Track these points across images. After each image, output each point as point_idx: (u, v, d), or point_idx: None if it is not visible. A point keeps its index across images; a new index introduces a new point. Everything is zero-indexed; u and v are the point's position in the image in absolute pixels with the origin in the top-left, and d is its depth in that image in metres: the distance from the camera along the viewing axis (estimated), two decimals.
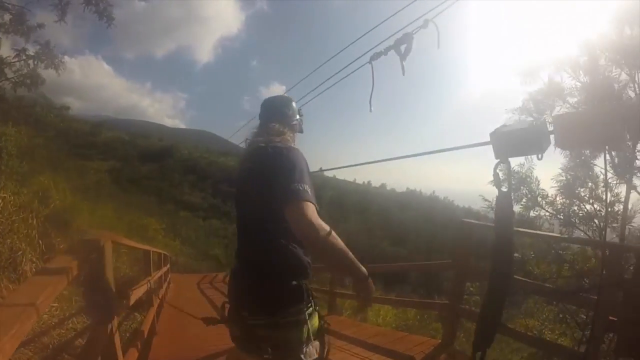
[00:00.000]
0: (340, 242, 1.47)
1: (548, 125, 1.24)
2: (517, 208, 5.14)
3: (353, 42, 2.82)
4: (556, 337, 4.63)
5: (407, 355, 3.73)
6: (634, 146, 4.56)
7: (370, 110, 2.12)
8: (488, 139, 1.34)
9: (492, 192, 5.54)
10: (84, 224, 7.61)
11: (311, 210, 1.46)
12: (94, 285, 2.26)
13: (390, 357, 3.77)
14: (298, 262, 1.62)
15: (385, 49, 2.07)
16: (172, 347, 4.26)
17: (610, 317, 3.16)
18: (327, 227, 1.45)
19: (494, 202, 4.15)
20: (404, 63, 1.98)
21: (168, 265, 9.32)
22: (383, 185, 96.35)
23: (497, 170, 1.29)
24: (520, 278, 4.36)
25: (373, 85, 2.10)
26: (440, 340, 4.13)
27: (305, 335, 1.57)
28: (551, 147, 1.34)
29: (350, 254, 1.50)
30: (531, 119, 5.05)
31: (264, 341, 1.59)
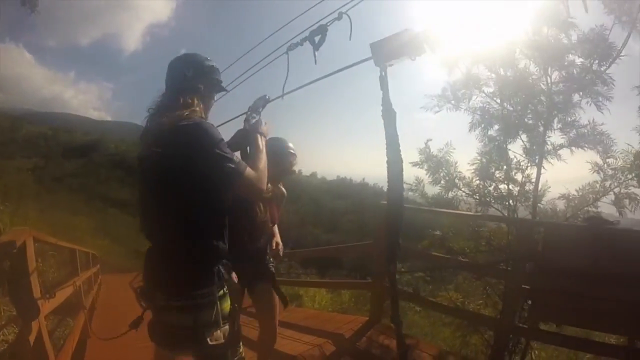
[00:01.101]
0: (263, 164, 1.78)
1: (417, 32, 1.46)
2: (437, 189, 5.49)
3: (272, 34, 2.89)
4: (479, 307, 5.00)
5: (336, 333, 3.91)
6: (544, 132, 5.01)
7: (282, 98, 2.18)
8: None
9: (410, 174, 5.88)
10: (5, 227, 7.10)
11: (251, 177, 1.63)
12: (17, 284, 2.18)
13: (320, 336, 3.93)
14: (209, 246, 1.66)
15: (301, 40, 2.11)
16: (107, 348, 4.14)
17: (524, 286, 3.52)
18: (262, 175, 1.72)
19: (413, 185, 4.44)
20: (316, 53, 2.05)
21: (98, 266, 8.93)
22: (314, 174, 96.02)
23: (382, 73, 1.52)
24: (441, 255, 4.74)
25: (287, 74, 2.17)
26: (367, 318, 4.34)
27: (213, 318, 1.61)
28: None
29: (262, 153, 1.82)
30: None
31: (174, 328, 1.65)
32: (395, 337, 3.96)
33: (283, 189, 2.93)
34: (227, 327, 1.67)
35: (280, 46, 2.37)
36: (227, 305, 1.69)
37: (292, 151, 2.82)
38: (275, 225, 2.87)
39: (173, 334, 1.67)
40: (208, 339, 1.59)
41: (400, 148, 1.56)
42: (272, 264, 2.89)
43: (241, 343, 1.82)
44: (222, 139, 1.64)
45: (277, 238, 2.86)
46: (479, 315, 4.50)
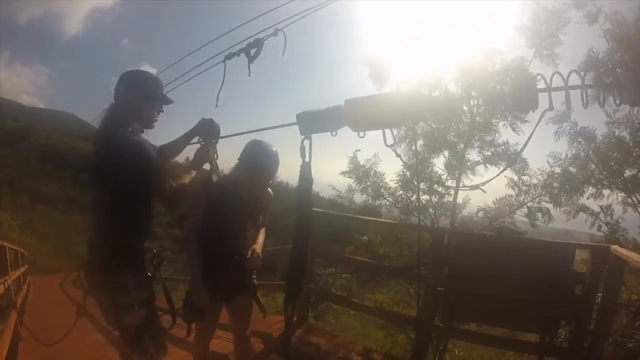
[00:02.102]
0: (172, 154, 2.22)
1: (341, 109, 1.58)
2: (364, 197, 5.86)
3: (211, 41, 2.99)
4: (401, 308, 5.37)
5: (265, 332, 4.07)
6: (464, 149, 5.51)
7: (217, 106, 2.35)
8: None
9: (343, 183, 6.21)
10: None
11: (169, 190, 1.92)
12: None
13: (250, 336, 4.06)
14: (125, 240, 1.96)
15: (238, 51, 2.26)
16: (40, 350, 4.06)
17: (439, 288, 3.86)
18: (183, 188, 2.01)
19: (343, 191, 4.71)
20: (250, 65, 2.22)
21: (26, 266, 8.50)
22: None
23: (303, 144, 1.61)
24: (365, 259, 5.06)
25: (223, 83, 2.34)
26: (295, 318, 4.54)
27: (127, 301, 1.92)
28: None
29: (179, 144, 2.23)
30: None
31: (102, 306, 2.02)
32: (319, 337, 4.26)
33: (270, 191, 2.74)
34: (143, 311, 1.95)
35: (219, 53, 2.50)
36: (143, 293, 1.97)
37: (258, 166, 2.50)
38: (262, 231, 2.76)
39: (104, 311, 2.04)
40: (124, 319, 1.92)
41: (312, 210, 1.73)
42: (254, 277, 2.77)
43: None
44: (150, 153, 1.97)
45: (257, 245, 2.64)
46: (400, 315, 4.86)
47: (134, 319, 1.92)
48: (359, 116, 1.52)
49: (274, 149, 2.62)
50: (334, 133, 1.62)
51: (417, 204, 5.52)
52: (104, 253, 1.95)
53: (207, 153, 2.19)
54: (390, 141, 1.56)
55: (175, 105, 2.25)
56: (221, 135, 2.24)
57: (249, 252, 2.57)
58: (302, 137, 1.62)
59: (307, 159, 1.62)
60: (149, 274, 2.07)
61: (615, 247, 3.04)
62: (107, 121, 1.99)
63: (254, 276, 2.81)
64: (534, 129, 1.67)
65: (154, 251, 2.13)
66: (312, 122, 1.63)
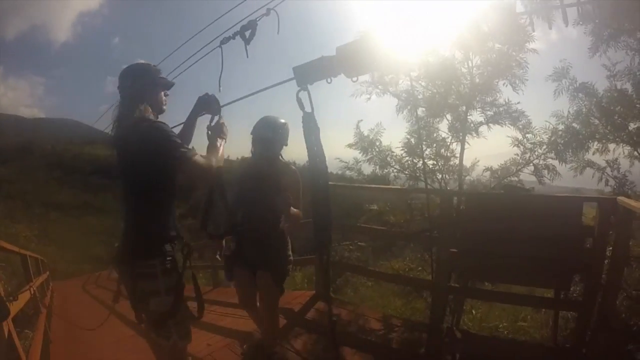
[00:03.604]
0: (218, 158, 2.07)
1: (334, 57, 1.58)
2: (371, 167, 5.90)
3: (206, 27, 2.99)
4: (418, 274, 5.45)
5: (287, 308, 4.16)
6: (466, 111, 5.51)
7: (219, 91, 2.38)
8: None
9: (349, 155, 6.24)
10: None
11: (199, 163, 1.93)
12: None
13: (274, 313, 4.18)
14: (157, 227, 2.04)
15: (233, 34, 2.29)
16: (70, 352, 4.20)
17: (452, 250, 3.92)
18: (211, 162, 2.01)
19: (350, 163, 4.78)
20: (247, 47, 2.25)
21: (48, 273, 8.71)
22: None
23: (299, 96, 1.62)
24: (378, 227, 5.12)
25: (222, 67, 2.35)
26: (314, 292, 4.64)
27: (154, 287, 1.97)
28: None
29: (218, 149, 2.14)
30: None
31: (131, 291, 2.04)
32: (340, 307, 4.35)
33: (294, 169, 2.89)
34: (170, 298, 2.00)
35: (214, 39, 2.53)
36: (172, 280, 2.02)
37: (257, 139, 2.79)
38: (298, 211, 2.77)
39: (132, 296, 2.05)
40: (150, 304, 1.98)
41: (326, 159, 1.68)
42: (289, 254, 2.95)
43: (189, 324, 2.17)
44: (172, 132, 1.98)
45: (294, 210, 2.71)
46: (417, 280, 4.94)
47: (160, 305, 1.99)
48: (351, 61, 1.55)
49: (282, 121, 2.81)
50: (329, 80, 1.64)
51: (423, 169, 5.57)
52: (134, 240, 2.04)
53: (218, 124, 2.26)
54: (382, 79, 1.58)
55: (179, 94, 2.31)
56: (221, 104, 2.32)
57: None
58: (298, 89, 1.63)
59: (307, 110, 1.63)
60: (177, 262, 2.11)
61: (622, 199, 3.02)
62: (122, 115, 2.06)
63: (289, 253, 2.97)
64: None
65: (184, 240, 2.17)
66: (308, 72, 1.65)
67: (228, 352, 3.62)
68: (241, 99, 2.40)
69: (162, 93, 2.21)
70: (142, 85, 2.10)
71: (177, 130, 2.25)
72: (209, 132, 2.25)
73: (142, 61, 2.27)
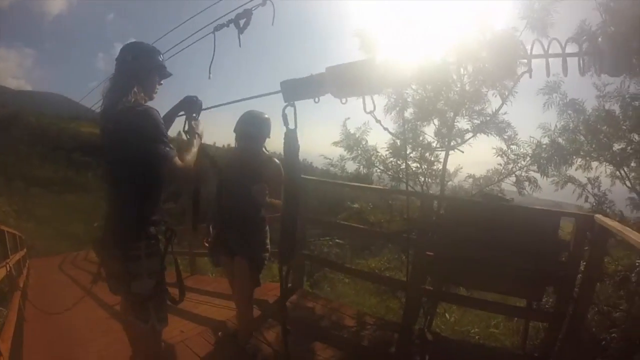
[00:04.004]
0: (192, 159, 2.06)
1: (323, 76, 1.61)
2: (355, 165, 5.96)
3: (201, 12, 2.97)
4: (394, 274, 5.54)
5: (262, 299, 4.19)
6: (454, 118, 5.58)
7: (209, 78, 2.39)
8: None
9: (335, 152, 6.29)
10: None
11: (176, 165, 1.94)
12: None
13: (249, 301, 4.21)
14: (142, 210, 2.05)
15: (227, 22, 2.30)
16: (44, 331, 4.18)
17: (428, 253, 3.98)
18: (189, 164, 2.02)
19: (334, 160, 4.83)
20: (240, 36, 2.26)
21: (25, 250, 8.61)
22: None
23: (285, 112, 1.63)
24: (357, 225, 5.18)
25: (214, 54, 2.37)
26: (290, 284, 4.68)
27: (137, 270, 2.01)
28: None
29: (193, 149, 2.10)
30: None
31: (113, 273, 2.11)
32: (314, 302, 4.40)
33: (276, 161, 2.97)
34: (152, 281, 2.05)
35: (208, 25, 2.52)
36: (154, 263, 2.06)
37: (240, 133, 2.91)
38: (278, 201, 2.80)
39: (112, 278, 2.12)
40: (131, 287, 2.01)
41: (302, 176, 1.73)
42: (267, 243, 3.05)
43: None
44: (162, 126, 1.98)
45: (272, 200, 2.83)
46: (391, 279, 5.01)
47: (142, 288, 2.02)
48: (340, 83, 1.56)
49: (265, 116, 2.90)
50: (316, 100, 1.67)
51: (405, 171, 5.65)
52: (119, 224, 2.06)
53: (191, 126, 2.27)
54: (370, 108, 1.60)
55: (170, 78, 2.29)
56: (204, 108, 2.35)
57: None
58: (285, 104, 1.65)
59: (290, 126, 1.65)
60: (160, 246, 2.14)
61: (599, 217, 3.11)
62: (112, 92, 2.04)
63: (267, 242, 3.07)
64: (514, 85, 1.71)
65: (167, 224, 2.20)
66: (296, 89, 1.66)
67: (201, 339, 3.65)
68: (225, 104, 2.42)
69: (158, 80, 2.22)
70: (141, 64, 2.10)
71: None
72: (186, 135, 2.27)
73: (138, 41, 2.27)
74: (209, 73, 2.47)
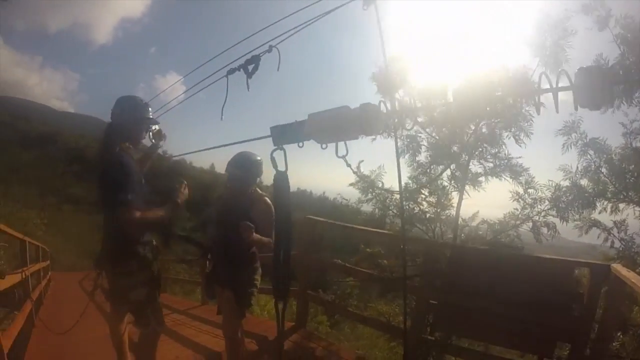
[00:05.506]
0: (153, 216, 2.45)
1: (304, 123, 1.63)
2: (369, 208, 5.94)
3: (216, 56, 3.05)
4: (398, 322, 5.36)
5: (261, 335, 4.15)
6: (468, 161, 5.50)
7: (222, 119, 2.49)
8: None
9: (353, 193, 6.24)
10: None
11: (124, 214, 2.26)
12: None
13: (245, 337, 4.16)
14: (129, 236, 2.44)
15: (239, 66, 2.38)
16: (51, 339, 4.25)
17: (432, 301, 3.84)
18: (145, 217, 2.37)
19: (351, 200, 4.81)
20: (249, 80, 2.33)
21: (48, 262, 8.88)
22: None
23: (273, 155, 1.67)
24: (363, 270, 5.03)
25: (226, 97, 2.45)
26: (293, 323, 4.60)
27: (132, 282, 2.46)
28: None
29: (160, 213, 2.50)
30: None
31: (113, 287, 2.56)
32: (318, 343, 4.30)
33: (267, 200, 3.07)
34: (145, 289, 2.50)
35: (223, 67, 2.61)
36: (145, 275, 2.50)
37: (229, 176, 3.09)
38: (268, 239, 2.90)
39: (111, 290, 2.58)
40: (130, 296, 2.46)
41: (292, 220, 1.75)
42: (255, 278, 3.16)
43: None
44: (126, 176, 2.35)
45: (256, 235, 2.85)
46: (390, 326, 4.83)
47: (138, 295, 2.47)
48: (319, 129, 1.60)
49: (256, 158, 3.08)
50: (301, 144, 1.70)
51: (417, 214, 5.58)
52: (114, 245, 2.48)
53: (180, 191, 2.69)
54: (342, 152, 1.61)
55: (190, 115, 2.49)
56: (196, 150, 2.71)
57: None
58: (273, 148, 1.69)
59: (279, 169, 1.68)
60: (150, 261, 2.56)
61: (615, 267, 2.89)
62: (103, 140, 2.47)
63: (256, 277, 3.17)
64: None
65: (154, 244, 2.65)
66: (283, 134, 1.71)
67: None
68: (216, 147, 2.55)
69: (145, 128, 2.65)
70: (126, 118, 2.51)
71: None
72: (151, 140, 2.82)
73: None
74: (222, 114, 2.55)
